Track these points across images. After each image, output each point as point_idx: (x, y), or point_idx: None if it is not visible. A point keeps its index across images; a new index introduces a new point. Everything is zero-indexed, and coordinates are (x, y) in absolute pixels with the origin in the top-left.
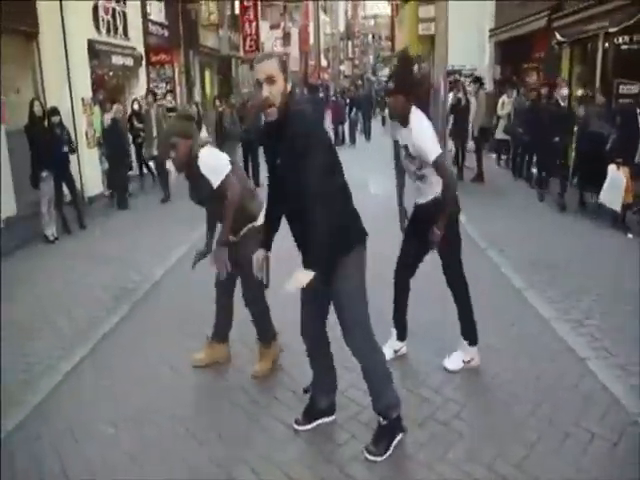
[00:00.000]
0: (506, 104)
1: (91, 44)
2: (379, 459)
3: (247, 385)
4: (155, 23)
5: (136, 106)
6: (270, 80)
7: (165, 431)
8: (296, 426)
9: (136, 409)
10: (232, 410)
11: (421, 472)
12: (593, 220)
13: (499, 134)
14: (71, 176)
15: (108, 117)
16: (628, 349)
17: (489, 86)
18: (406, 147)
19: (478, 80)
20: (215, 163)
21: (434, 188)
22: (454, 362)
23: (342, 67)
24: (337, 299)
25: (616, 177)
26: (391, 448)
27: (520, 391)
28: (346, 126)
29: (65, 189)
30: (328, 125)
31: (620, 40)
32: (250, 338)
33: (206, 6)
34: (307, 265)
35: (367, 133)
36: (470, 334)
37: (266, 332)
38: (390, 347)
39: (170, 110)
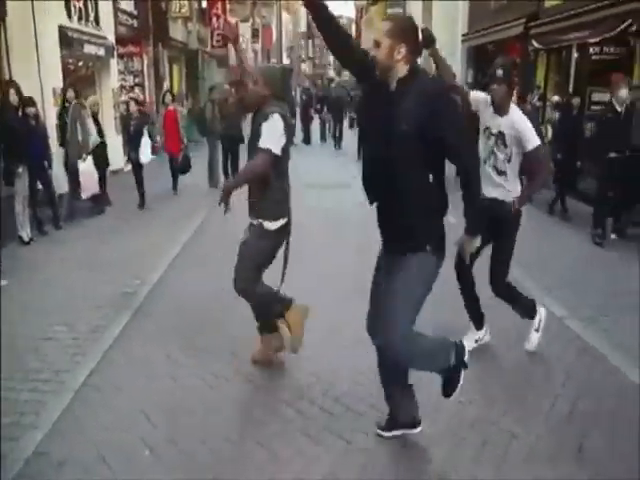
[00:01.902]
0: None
1: (62, 30)
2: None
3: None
4: (125, 12)
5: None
6: (376, 44)
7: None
8: (379, 431)
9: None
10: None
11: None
12: None
13: None
14: (47, 173)
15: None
16: None
17: None
18: (501, 135)
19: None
20: (275, 131)
21: (512, 187)
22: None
23: (303, 66)
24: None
25: None
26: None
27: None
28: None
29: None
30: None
31: (591, 50)
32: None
33: None
34: (468, 232)
35: (338, 140)
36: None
37: (264, 319)
38: (470, 338)
39: (137, 103)
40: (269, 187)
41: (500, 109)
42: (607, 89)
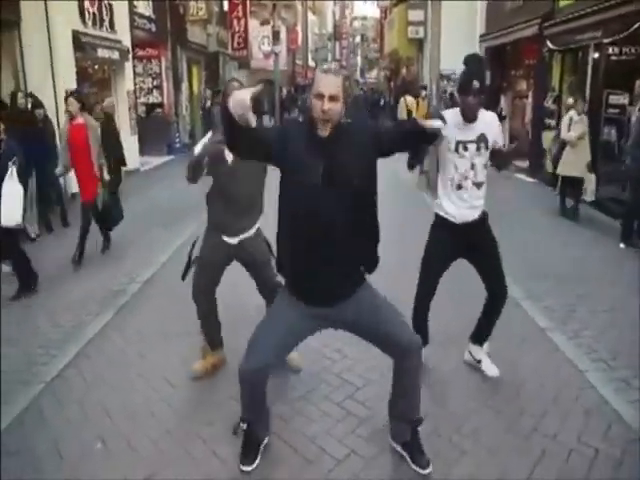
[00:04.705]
0: (576, 123)
1: (76, 35)
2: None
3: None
4: (142, 17)
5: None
6: (333, 98)
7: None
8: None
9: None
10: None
11: None
12: None
13: (567, 170)
14: (54, 172)
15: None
16: None
17: None
18: (483, 137)
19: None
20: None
21: (481, 199)
22: (491, 367)
23: None
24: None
25: None
26: None
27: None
28: None
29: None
30: None
31: (610, 51)
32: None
33: (194, 1)
34: None
35: None
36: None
37: (210, 336)
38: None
39: (156, 106)
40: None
41: (471, 118)
42: (624, 91)
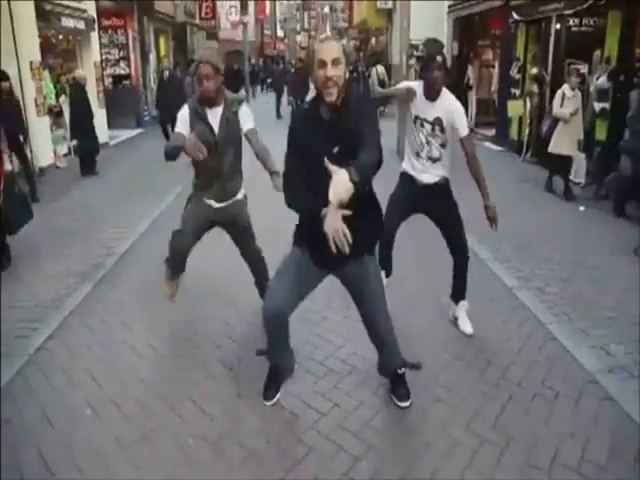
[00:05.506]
0: (569, 99)
1: (38, 4)
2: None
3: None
4: None
5: None
6: (336, 62)
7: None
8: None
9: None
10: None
11: (406, 437)
12: None
13: (558, 147)
14: (22, 146)
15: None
16: None
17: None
18: (438, 121)
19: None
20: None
21: (441, 170)
22: (466, 325)
23: (298, 38)
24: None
25: None
26: None
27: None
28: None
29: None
30: (288, 98)
31: (571, 22)
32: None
33: None
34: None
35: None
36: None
37: (172, 263)
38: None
39: (123, 78)
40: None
41: (434, 95)
42: (584, 62)
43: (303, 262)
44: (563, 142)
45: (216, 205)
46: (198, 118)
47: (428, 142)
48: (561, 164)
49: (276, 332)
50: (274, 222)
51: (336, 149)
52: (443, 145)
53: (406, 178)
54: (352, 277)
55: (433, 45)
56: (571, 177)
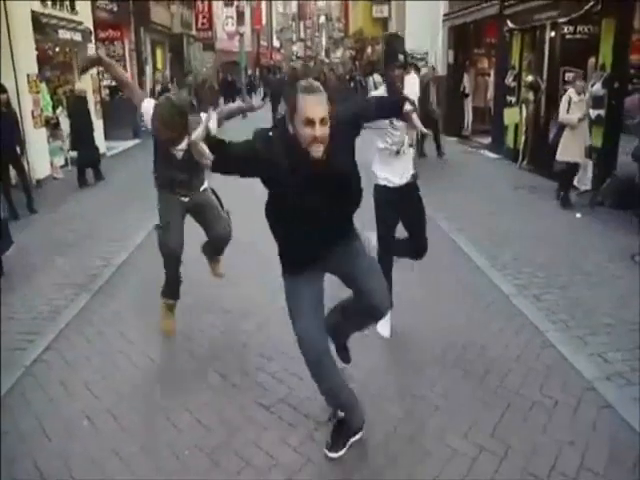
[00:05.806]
0: (576, 104)
1: (35, 16)
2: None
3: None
4: None
5: None
6: (324, 121)
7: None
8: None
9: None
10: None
11: (403, 445)
12: None
13: (566, 154)
14: (19, 158)
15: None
16: None
17: (442, 70)
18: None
19: None
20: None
21: (410, 162)
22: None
23: (294, 48)
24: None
25: None
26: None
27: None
28: None
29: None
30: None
31: (566, 30)
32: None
33: None
34: None
35: None
36: None
37: (168, 286)
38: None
39: (120, 89)
40: None
41: (397, 91)
42: (579, 69)
43: (302, 282)
44: (571, 149)
45: (185, 199)
46: None
47: (404, 136)
48: (568, 172)
49: (327, 373)
50: (254, 237)
51: (318, 197)
52: (411, 145)
53: (380, 190)
54: (339, 260)
55: (395, 40)
56: (575, 183)
